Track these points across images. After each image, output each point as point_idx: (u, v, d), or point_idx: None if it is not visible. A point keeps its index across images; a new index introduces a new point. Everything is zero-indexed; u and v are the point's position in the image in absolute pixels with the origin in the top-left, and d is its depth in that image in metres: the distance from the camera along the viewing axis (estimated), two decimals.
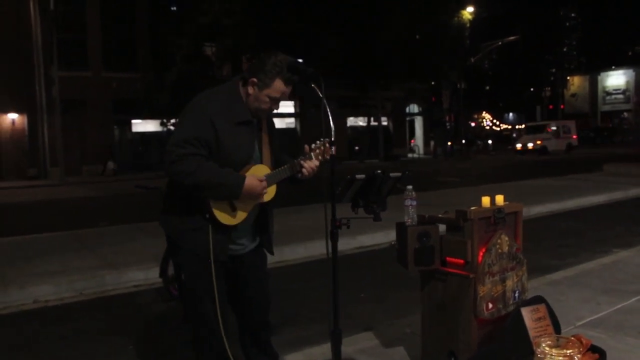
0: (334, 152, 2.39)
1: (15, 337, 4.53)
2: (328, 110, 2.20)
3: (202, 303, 2.69)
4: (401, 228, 2.83)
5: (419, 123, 40.93)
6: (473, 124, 53.52)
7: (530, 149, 34.57)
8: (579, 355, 2.70)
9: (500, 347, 2.74)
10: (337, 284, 2.13)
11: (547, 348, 2.72)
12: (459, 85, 35.25)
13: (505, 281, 2.82)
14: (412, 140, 39.79)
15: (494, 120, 56.16)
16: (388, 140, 36.22)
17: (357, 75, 30.14)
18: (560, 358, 2.68)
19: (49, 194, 17.87)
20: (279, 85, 2.52)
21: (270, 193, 2.63)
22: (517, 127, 58.28)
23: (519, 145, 36.06)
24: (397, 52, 29.53)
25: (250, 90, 2.55)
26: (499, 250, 2.78)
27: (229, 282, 2.84)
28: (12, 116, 24.81)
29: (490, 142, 49.06)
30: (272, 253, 2.91)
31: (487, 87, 52.81)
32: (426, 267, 2.84)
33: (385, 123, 37.13)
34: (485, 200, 2.79)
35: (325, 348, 3.56)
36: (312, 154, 2.55)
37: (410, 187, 2.82)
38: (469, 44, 35.06)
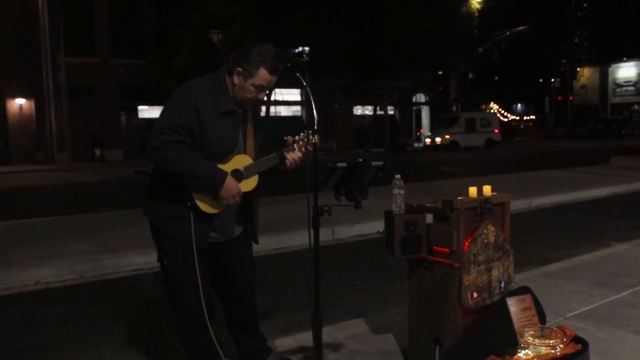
0: (317, 142, 2.41)
1: (16, 317, 4.62)
2: (312, 99, 2.22)
3: (185, 291, 2.71)
4: (389, 216, 2.86)
5: (425, 113, 40.75)
6: None
7: (438, 144, 31.15)
8: (561, 345, 2.73)
9: (484, 336, 2.77)
10: (319, 269, 2.17)
11: (530, 338, 2.75)
12: (466, 76, 35.00)
13: (491, 271, 2.85)
14: (421, 130, 39.47)
15: (502, 111, 55.82)
16: (395, 130, 36.11)
17: (364, 65, 30.01)
18: (543, 348, 2.72)
19: (55, 178, 18.00)
20: (263, 74, 2.53)
21: (251, 183, 2.65)
22: (525, 118, 57.94)
23: (428, 140, 32.31)
24: (405, 41, 29.36)
25: (236, 80, 2.58)
26: (485, 241, 2.80)
27: (215, 272, 2.87)
28: (20, 101, 24.94)
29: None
30: (256, 242, 2.94)
31: (496, 78, 52.48)
32: (413, 255, 2.87)
33: (392, 112, 37.02)
34: (472, 191, 2.81)
35: None
36: (295, 145, 2.57)
37: (398, 176, 2.85)
38: (477, 34, 34.75)
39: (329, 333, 3.64)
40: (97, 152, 25.54)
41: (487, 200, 2.80)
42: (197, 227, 2.61)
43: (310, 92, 2.21)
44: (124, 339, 4.01)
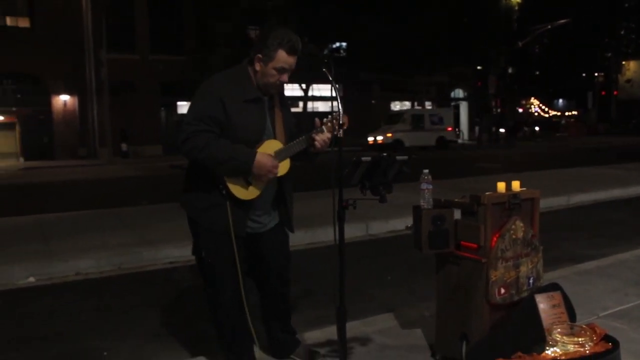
0: (345, 123, 2.46)
1: (55, 306, 4.79)
2: (337, 92, 2.25)
3: (221, 281, 2.79)
4: (417, 211, 2.86)
5: (463, 108, 40.25)
6: (521, 110, 52.17)
7: (380, 143, 27.92)
8: (590, 343, 2.69)
9: (512, 332, 2.75)
10: (344, 262, 2.20)
11: (558, 335, 2.73)
12: (506, 70, 34.33)
13: (519, 267, 2.82)
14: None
15: (543, 107, 54.55)
16: None
17: (402, 59, 29.77)
18: (571, 345, 2.69)
19: (97, 173, 18.52)
20: (282, 56, 2.61)
21: (284, 167, 2.72)
22: (566, 113, 56.49)
23: (370, 139, 28.81)
24: (443, 35, 29.03)
25: (257, 66, 2.66)
26: (513, 236, 2.78)
27: (251, 264, 2.94)
28: (64, 98, 25.70)
29: (537, 128, 47.78)
30: (292, 230, 2.99)
31: (537, 72, 51.29)
32: (440, 250, 2.87)
33: (429, 107, 36.68)
34: (501, 186, 2.79)
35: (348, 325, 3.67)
36: (323, 127, 2.61)
37: (426, 170, 2.85)
38: (517, 28, 34.01)
39: (357, 327, 3.68)
40: (124, 146, 26.02)
41: (515, 195, 2.78)
42: (234, 216, 2.67)
43: (336, 86, 2.23)
44: (155, 329, 4.13)
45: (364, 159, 2.24)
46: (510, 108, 42.47)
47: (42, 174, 18.45)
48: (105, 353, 3.71)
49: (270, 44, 2.60)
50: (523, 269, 2.84)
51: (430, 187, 2.85)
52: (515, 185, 2.83)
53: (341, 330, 2.27)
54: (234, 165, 2.60)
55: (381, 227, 7.49)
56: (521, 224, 2.80)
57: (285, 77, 2.67)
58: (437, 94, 36.56)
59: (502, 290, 2.78)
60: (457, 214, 2.92)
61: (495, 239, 2.74)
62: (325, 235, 7.06)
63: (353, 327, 3.69)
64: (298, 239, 6.64)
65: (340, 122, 2.45)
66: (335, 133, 2.54)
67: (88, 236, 6.90)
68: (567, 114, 56.62)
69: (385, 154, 2.29)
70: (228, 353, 2.92)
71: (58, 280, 5.56)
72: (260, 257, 2.94)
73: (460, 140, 36.24)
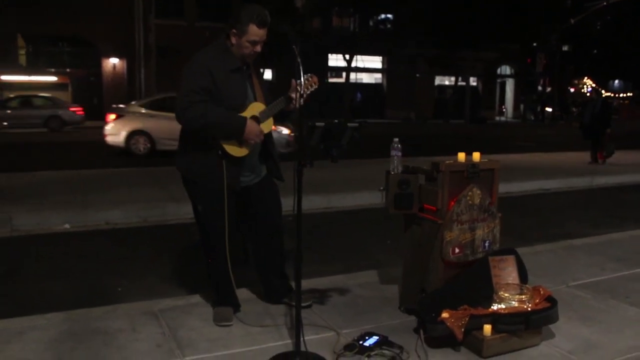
0: (316, 84, 2.91)
1: (85, 250, 5.36)
2: (301, 68, 2.58)
3: (215, 231, 3.16)
4: (386, 176, 3.19)
5: (510, 86, 39.45)
6: (572, 90, 50.58)
7: None
8: (531, 302, 3.00)
9: (464, 288, 3.06)
10: (300, 212, 2.55)
11: (506, 294, 3.04)
12: (556, 48, 33.33)
13: (475, 230, 3.11)
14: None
15: (596, 87, 52.69)
16: (476, 102, 35.29)
17: (448, 34, 29.37)
18: (514, 302, 3.00)
19: None
20: (253, 29, 2.95)
21: (268, 125, 3.12)
22: (621, 95, 54.42)
23: None
24: (492, 9, 28.44)
25: (233, 40, 3.02)
26: (470, 202, 3.06)
27: (246, 213, 3.32)
28: (114, 60, 26.66)
29: None
30: (281, 179, 3.35)
31: (595, 51, 49.41)
32: (404, 211, 3.19)
33: (474, 84, 36.15)
34: (461, 156, 3.07)
35: (334, 278, 4.07)
36: (297, 87, 2.89)
37: (396, 139, 3.17)
38: (570, 3, 32.89)
39: (341, 280, 4.06)
40: None
41: (474, 165, 3.06)
42: (229, 172, 3.06)
43: (300, 63, 2.56)
44: (167, 274, 4.61)
45: (317, 124, 2.58)
46: (561, 87, 41.23)
47: (90, 133, 19.37)
48: (119, 289, 4.22)
49: (242, 19, 2.95)
50: (479, 232, 3.13)
51: (400, 154, 3.17)
52: (476, 156, 3.10)
53: (298, 272, 2.64)
54: (228, 131, 2.99)
55: None
56: (478, 191, 3.09)
57: (258, 47, 3.01)
58: (483, 70, 35.88)
59: (457, 250, 3.09)
60: None
61: (452, 203, 3.04)
62: (340, 201, 7.49)
63: (338, 280, 4.09)
64: (314, 203, 7.07)
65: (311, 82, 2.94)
66: (300, 93, 2.85)
67: (121, 191, 7.49)
68: (622, 95, 54.52)
69: (337, 121, 2.61)
70: (216, 293, 3.34)
71: (89, 229, 6.14)
72: (253, 205, 3.31)
73: (503, 118, 35.70)
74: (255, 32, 2.96)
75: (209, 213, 3.19)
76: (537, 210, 7.60)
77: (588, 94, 52.62)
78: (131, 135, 12.49)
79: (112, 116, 12.81)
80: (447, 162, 3.01)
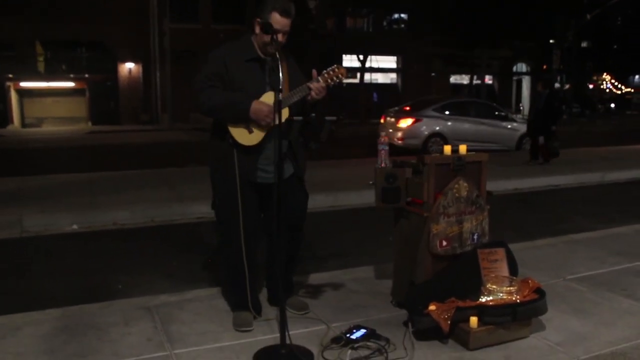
0: (343, 75, 2.86)
1: (91, 249, 5.46)
2: (279, 64, 2.61)
3: (230, 224, 3.16)
4: (375, 170, 3.21)
5: (526, 83, 39.03)
6: (591, 86, 49.88)
7: None
8: (519, 293, 2.99)
9: (452, 280, 3.07)
10: (279, 199, 2.58)
11: (494, 286, 3.04)
12: (573, 44, 32.87)
13: (463, 223, 3.11)
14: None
15: (615, 83, 51.85)
16: (492, 100, 34.98)
17: (463, 32, 29.18)
18: (502, 294, 3.00)
19: (156, 137, 19.55)
20: (276, 17, 2.96)
21: (284, 114, 2.96)
22: None
23: None
24: (507, 6, 28.18)
25: (257, 29, 3.05)
26: (456, 195, 3.07)
27: (264, 211, 3.26)
28: (130, 65, 26.97)
29: (612, 105, 45.62)
30: (300, 175, 3.22)
31: (615, 47, 48.66)
32: (392, 205, 3.21)
33: (490, 82, 35.86)
34: (447, 149, 3.08)
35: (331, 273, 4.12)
36: (319, 78, 2.94)
37: (383, 133, 3.19)
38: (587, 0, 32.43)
39: (337, 275, 4.10)
40: (166, 117, 26.71)
41: (460, 158, 3.06)
42: (241, 162, 3.05)
43: (277, 57, 2.59)
44: (170, 271, 4.68)
45: (295, 118, 2.61)
46: (579, 84, 40.70)
47: (106, 138, 19.67)
48: (119, 286, 4.29)
49: (266, 7, 2.99)
50: (467, 225, 3.13)
51: (387, 148, 3.18)
52: (462, 148, 3.11)
53: (279, 261, 2.68)
54: (235, 112, 3.00)
55: None
56: (465, 184, 3.09)
57: (280, 37, 2.98)
58: (499, 68, 35.58)
59: (444, 243, 3.09)
60: None
61: (438, 196, 3.04)
62: (345, 199, 7.52)
63: (333, 275, 4.12)
64: (321, 202, 7.10)
65: (337, 73, 2.89)
66: (330, 83, 2.86)
67: (129, 192, 7.60)
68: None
69: (314, 115, 2.64)
70: (232, 295, 3.36)
71: (97, 229, 6.24)
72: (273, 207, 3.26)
73: (519, 116, 35.32)
74: (278, 20, 2.96)
75: (223, 203, 3.21)
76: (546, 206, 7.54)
77: (607, 90, 51.95)
78: (429, 138, 12.91)
79: (408, 120, 13.11)
80: (433, 155, 3.02)
